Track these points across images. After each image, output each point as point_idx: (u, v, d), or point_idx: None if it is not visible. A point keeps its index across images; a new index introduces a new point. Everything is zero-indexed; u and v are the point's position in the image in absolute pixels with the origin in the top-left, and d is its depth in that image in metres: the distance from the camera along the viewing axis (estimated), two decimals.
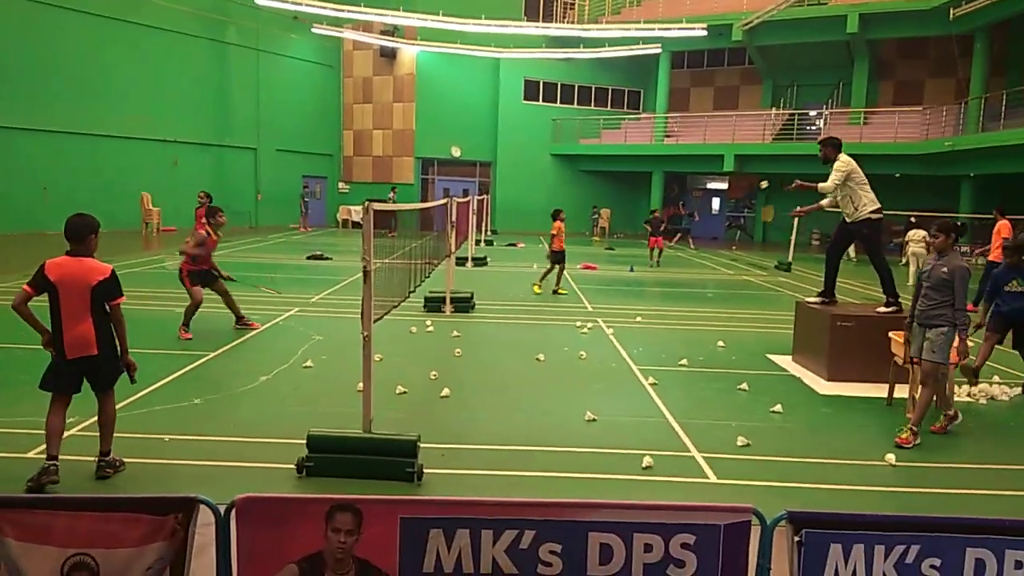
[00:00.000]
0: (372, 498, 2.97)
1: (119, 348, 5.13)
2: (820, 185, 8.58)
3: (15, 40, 22.73)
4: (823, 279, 9.23)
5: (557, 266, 14.52)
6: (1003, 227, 14.21)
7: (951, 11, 24.49)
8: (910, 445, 6.18)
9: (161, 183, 26.80)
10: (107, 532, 2.85)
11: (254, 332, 9.91)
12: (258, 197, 31.41)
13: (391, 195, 30.20)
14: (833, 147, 8.57)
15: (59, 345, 4.93)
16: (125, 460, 5.23)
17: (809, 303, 9.11)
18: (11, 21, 22.64)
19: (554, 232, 14.48)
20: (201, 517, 2.94)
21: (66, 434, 5.65)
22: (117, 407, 5.29)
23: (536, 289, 14.58)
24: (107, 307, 5.01)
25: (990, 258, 13.61)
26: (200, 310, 11.53)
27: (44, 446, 4.89)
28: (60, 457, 4.88)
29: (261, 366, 8.07)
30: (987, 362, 9.45)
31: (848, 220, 8.61)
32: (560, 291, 14.52)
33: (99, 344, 4.97)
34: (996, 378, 8.59)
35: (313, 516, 2.88)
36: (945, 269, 6.26)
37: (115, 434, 5.21)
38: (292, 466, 5.18)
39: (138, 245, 21.00)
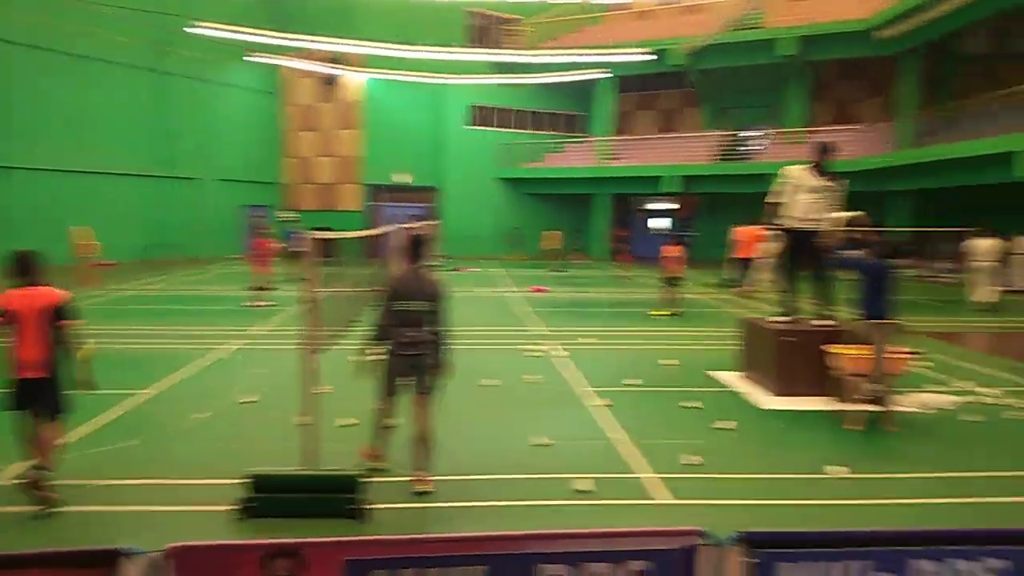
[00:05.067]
0: (313, 541, 2.84)
1: None
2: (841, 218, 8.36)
3: None
4: (785, 298, 9.01)
5: (674, 287, 15.53)
6: (746, 232, 18.84)
7: (882, 33, 25.44)
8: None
9: (100, 216, 26.06)
10: None
11: (193, 367, 9.59)
12: (200, 228, 30.77)
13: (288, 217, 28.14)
14: (832, 153, 8.43)
15: None
16: (56, 508, 4.98)
17: (774, 321, 8.89)
18: None
19: (671, 254, 15.59)
20: (133, 568, 2.77)
21: None
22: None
23: (664, 313, 15.45)
24: None
25: (739, 255, 18.90)
26: (138, 345, 11.20)
27: None
28: None
29: (199, 403, 7.80)
30: (927, 372, 9.72)
31: (806, 229, 8.44)
32: (657, 312, 15.52)
33: None
34: (935, 387, 8.79)
35: (250, 563, 2.75)
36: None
37: None
38: (232, 508, 4.98)
39: (75, 281, 20.29)
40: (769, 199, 8.77)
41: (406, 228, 5.48)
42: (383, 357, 5.62)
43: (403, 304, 5.51)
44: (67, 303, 5.24)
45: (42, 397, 5.13)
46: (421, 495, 5.43)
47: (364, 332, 5.74)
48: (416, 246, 5.71)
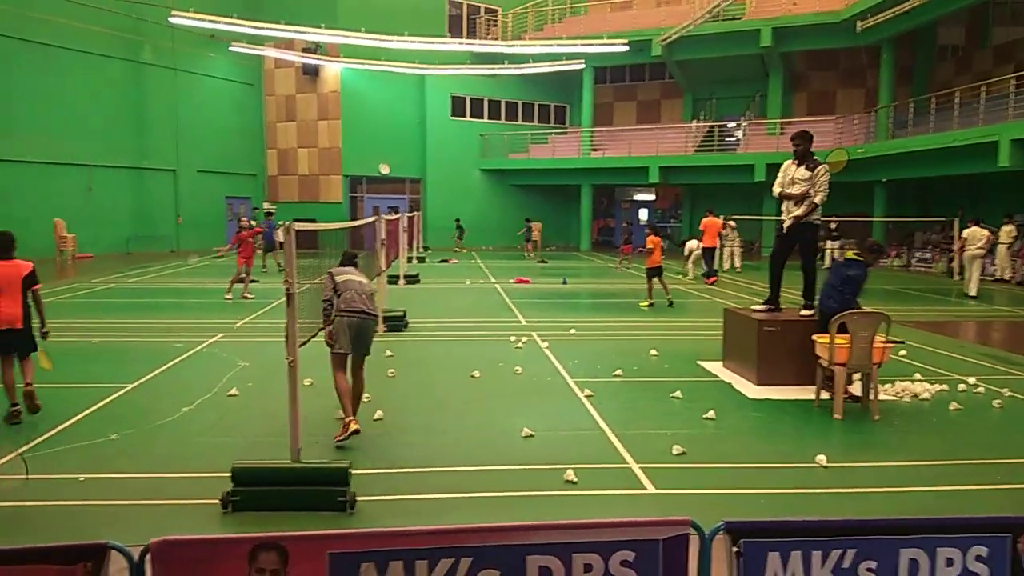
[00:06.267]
0: (297, 534, 2.81)
1: None
2: (817, 200, 8.29)
3: None
4: (768, 287, 9.09)
5: (656, 279, 14.96)
6: (711, 224, 20.04)
7: (858, 24, 25.59)
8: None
9: (76, 208, 25.75)
10: None
11: (176, 360, 9.50)
12: (178, 220, 30.47)
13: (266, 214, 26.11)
14: (810, 142, 8.44)
15: None
16: (36, 503, 4.91)
17: (755, 311, 8.96)
18: None
19: (650, 247, 15.00)
20: (113, 564, 2.73)
21: None
22: (25, 447, 5.02)
23: (643, 304, 15.16)
24: None
25: (704, 245, 20.01)
26: (118, 339, 11.08)
27: None
28: None
29: (182, 396, 7.73)
30: (909, 361, 9.81)
31: (789, 220, 8.52)
32: (647, 302, 15.20)
33: None
34: (917, 376, 8.88)
35: (234, 557, 2.71)
36: None
37: (22, 475, 4.90)
38: (217, 501, 4.93)
39: (52, 274, 20.06)
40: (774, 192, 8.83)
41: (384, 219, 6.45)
42: (339, 321, 6.42)
43: (346, 275, 6.60)
44: (35, 272, 6.93)
45: (19, 342, 6.86)
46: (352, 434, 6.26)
47: (319, 310, 6.55)
48: (351, 258, 6.99)
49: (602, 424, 7.01)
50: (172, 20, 25.29)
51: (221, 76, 31.90)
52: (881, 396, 7.76)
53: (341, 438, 6.24)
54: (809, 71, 32.66)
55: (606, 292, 18.27)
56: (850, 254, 7.96)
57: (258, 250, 22.23)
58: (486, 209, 34.50)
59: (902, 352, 10.11)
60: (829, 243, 25.45)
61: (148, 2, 26.15)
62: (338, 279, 6.59)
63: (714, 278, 19.69)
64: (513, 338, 11.22)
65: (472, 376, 8.82)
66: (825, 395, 7.66)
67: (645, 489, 5.46)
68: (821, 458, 5.97)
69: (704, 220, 20.45)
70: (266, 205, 33.25)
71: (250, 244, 15.78)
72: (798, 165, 8.48)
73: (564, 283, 19.62)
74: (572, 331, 12.05)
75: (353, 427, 6.27)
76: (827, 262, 25.07)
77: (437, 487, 5.44)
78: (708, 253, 20.21)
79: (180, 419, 7.05)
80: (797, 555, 2.93)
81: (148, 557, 2.69)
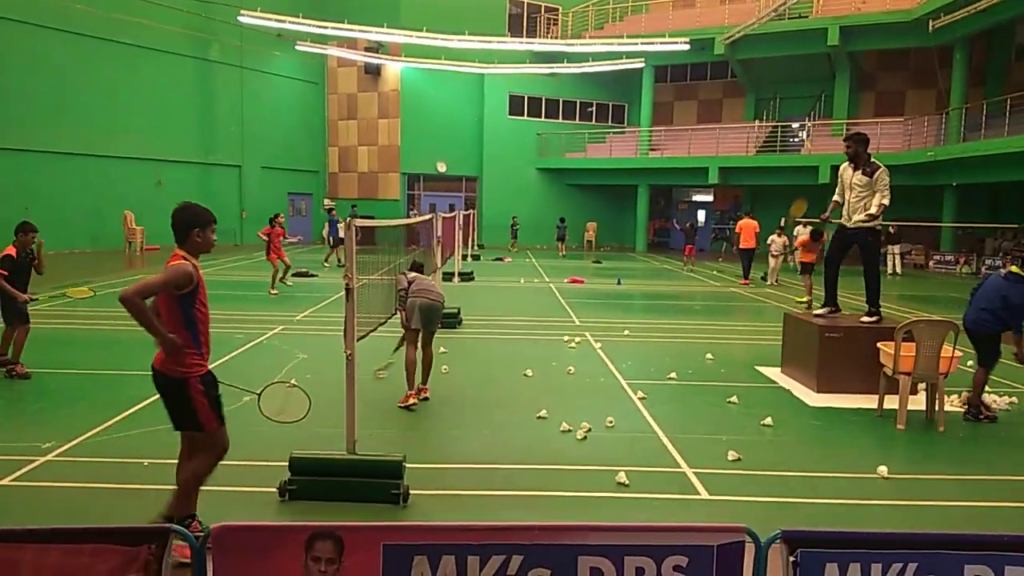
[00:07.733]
0: (353, 525, 2.86)
1: None
2: (882, 205, 7.94)
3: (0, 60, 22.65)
4: (824, 290, 8.91)
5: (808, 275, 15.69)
6: (746, 225, 20.17)
7: (930, 23, 24.75)
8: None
9: (146, 201, 26.64)
10: (77, 565, 2.72)
11: (238, 351, 9.75)
12: (243, 215, 31.26)
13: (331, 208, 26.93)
14: (864, 144, 8.12)
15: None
16: (101, 486, 5.09)
17: (815, 315, 8.79)
18: None
19: (799, 245, 16.34)
20: (178, 547, 2.82)
21: (40, 460, 5.53)
22: (93, 429, 5.18)
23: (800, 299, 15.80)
24: None
25: (742, 246, 20.15)
26: None
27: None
28: (30, 484, 4.74)
29: (244, 386, 7.90)
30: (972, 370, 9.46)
31: (850, 226, 8.33)
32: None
33: None
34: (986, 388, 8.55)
35: (292, 544, 2.77)
36: None
37: (92, 458, 5.07)
38: (274, 490, 5.05)
39: (121, 264, 20.80)
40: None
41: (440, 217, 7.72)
42: (412, 301, 7.26)
43: (416, 275, 7.60)
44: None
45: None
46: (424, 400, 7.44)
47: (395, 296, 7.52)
48: (419, 267, 7.92)
49: (655, 427, 6.94)
50: (241, 19, 25.94)
51: (286, 74, 32.61)
52: (947, 407, 7.51)
53: (402, 404, 7.20)
54: (877, 71, 31.72)
55: (661, 294, 18.08)
56: (1014, 268, 7.19)
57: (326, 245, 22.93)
58: (541, 208, 34.46)
59: (969, 363, 9.75)
60: (890, 247, 24.74)
61: (218, 1, 26.89)
62: (410, 275, 7.59)
63: (746, 280, 19.95)
64: (566, 338, 11.20)
65: (525, 375, 8.83)
66: (889, 404, 7.44)
67: (699, 495, 5.39)
68: (882, 469, 5.80)
69: (740, 222, 20.66)
70: (326, 202, 33.93)
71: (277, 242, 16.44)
72: (855, 169, 8.24)
73: (619, 284, 19.49)
74: (626, 332, 11.96)
75: (411, 401, 7.22)
76: (889, 267, 24.38)
77: (489, 483, 5.47)
78: (745, 255, 20.34)
79: (241, 408, 7.21)
80: (856, 567, 2.85)
81: (209, 542, 2.77)
